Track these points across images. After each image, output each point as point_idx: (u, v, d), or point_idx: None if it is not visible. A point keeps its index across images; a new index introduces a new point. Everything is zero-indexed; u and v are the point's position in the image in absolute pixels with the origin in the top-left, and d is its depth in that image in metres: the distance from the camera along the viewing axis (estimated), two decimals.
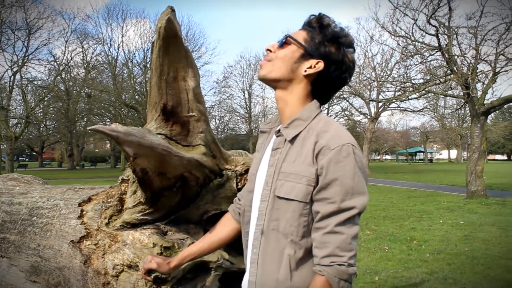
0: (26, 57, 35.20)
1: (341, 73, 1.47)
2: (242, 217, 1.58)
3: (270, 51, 1.48)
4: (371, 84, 25.71)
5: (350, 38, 1.48)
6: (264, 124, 1.62)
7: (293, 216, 1.34)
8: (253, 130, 44.29)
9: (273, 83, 1.48)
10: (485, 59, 14.51)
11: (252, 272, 1.43)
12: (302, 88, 1.47)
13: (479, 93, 14.87)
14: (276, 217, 1.37)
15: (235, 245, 1.75)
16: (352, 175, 1.30)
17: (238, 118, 47.02)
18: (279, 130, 1.46)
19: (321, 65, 1.44)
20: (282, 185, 1.36)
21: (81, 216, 1.98)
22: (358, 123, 41.33)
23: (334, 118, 40.84)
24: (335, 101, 39.32)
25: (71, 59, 40.39)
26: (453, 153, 76.34)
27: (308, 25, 1.48)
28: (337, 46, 1.45)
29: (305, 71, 1.44)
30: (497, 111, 40.18)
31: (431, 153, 77.62)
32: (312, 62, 1.44)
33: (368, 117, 36.82)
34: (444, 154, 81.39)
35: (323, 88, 1.49)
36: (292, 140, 1.41)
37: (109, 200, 1.99)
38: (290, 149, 1.40)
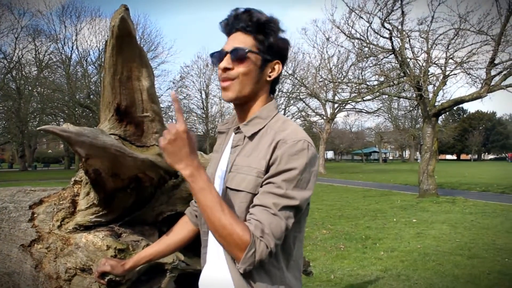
0: None
1: (287, 58, 1.52)
2: (200, 217, 1.57)
3: (229, 68, 1.41)
4: (327, 85, 26.10)
5: (279, 21, 1.45)
6: (221, 125, 1.61)
7: (240, 207, 1.36)
8: (210, 131, 44.17)
9: (244, 99, 1.45)
10: (435, 63, 15.00)
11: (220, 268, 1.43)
12: (265, 91, 1.49)
13: (431, 95, 15.35)
14: None
15: (191, 246, 1.74)
16: (302, 170, 1.32)
17: (195, 118, 46.77)
18: (238, 127, 1.46)
19: (280, 66, 1.46)
20: (233, 177, 1.38)
21: (32, 219, 1.92)
22: (314, 123, 41.86)
23: (291, 119, 41.17)
24: (291, 102, 39.74)
25: (22, 57, 39.15)
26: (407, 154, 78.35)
27: (246, 26, 1.42)
28: (281, 39, 1.46)
29: (269, 76, 1.46)
30: (447, 113, 41.61)
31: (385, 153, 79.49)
32: (271, 65, 1.45)
33: (324, 118, 37.40)
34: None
35: (278, 80, 1.53)
36: (251, 137, 1.42)
37: (61, 202, 1.94)
38: (247, 144, 1.42)
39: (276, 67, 1.46)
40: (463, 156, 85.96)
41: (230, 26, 1.45)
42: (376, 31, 15.68)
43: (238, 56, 1.40)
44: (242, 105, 1.48)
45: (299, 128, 1.42)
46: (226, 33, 1.48)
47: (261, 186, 1.34)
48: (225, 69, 1.42)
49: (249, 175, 1.35)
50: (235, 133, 1.48)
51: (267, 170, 1.34)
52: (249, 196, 1.35)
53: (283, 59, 1.47)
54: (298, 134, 1.36)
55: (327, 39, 23.18)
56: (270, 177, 1.33)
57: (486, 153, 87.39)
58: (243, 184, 1.36)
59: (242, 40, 1.42)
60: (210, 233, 1.50)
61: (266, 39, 1.42)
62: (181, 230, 1.68)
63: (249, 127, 1.44)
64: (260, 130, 1.42)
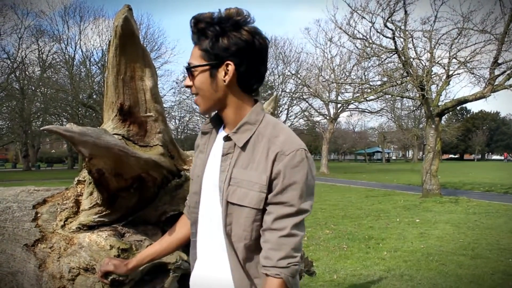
0: None
1: (251, 49, 1.37)
2: (190, 217, 1.58)
3: (190, 86, 1.43)
4: (330, 86, 26.09)
5: (232, 13, 1.35)
6: (205, 125, 1.58)
7: (246, 222, 1.36)
8: None
9: (215, 109, 1.46)
10: (439, 62, 14.97)
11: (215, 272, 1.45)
12: (234, 95, 1.42)
13: (434, 95, 15.33)
14: (230, 222, 1.38)
15: None
16: (305, 179, 1.33)
17: (198, 118, 46.75)
18: (228, 136, 1.42)
19: (231, 66, 1.36)
20: (234, 191, 1.37)
21: (35, 219, 1.92)
22: (317, 123, 41.85)
23: (294, 118, 41.22)
24: (294, 102, 39.70)
25: (25, 57, 39.27)
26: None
27: (194, 38, 1.40)
28: (227, 35, 1.34)
29: (224, 81, 1.38)
30: (450, 113, 41.50)
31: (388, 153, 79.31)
32: (223, 68, 1.37)
33: (327, 117, 37.38)
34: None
35: (251, 77, 1.42)
36: (244, 146, 1.39)
37: (64, 202, 1.94)
38: (241, 154, 1.39)
39: (229, 68, 1.36)
40: (466, 156, 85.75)
41: None
42: (379, 31, 15.67)
43: (188, 73, 1.42)
44: (220, 112, 1.47)
45: (291, 133, 1.40)
46: None
47: (269, 204, 1.34)
48: (188, 87, 1.44)
49: (252, 191, 1.34)
50: (225, 141, 1.44)
51: (269, 184, 1.33)
52: (253, 212, 1.35)
53: (237, 56, 1.36)
54: (293, 142, 1.35)
55: (330, 39, 23.15)
56: (277, 195, 1.32)
57: (490, 153, 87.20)
58: (246, 199, 1.35)
59: (193, 54, 1.41)
60: (198, 234, 1.51)
61: (206, 45, 1.36)
62: (182, 229, 1.68)
63: (239, 134, 1.40)
64: (251, 137, 1.39)
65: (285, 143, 1.34)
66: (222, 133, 1.49)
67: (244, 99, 1.44)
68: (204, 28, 1.36)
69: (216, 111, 1.49)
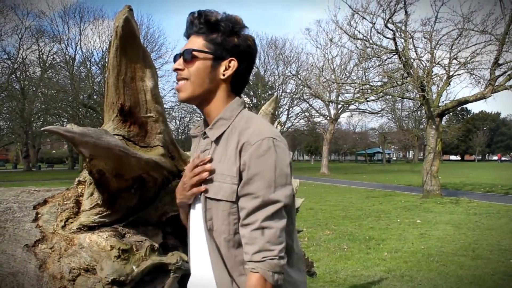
0: None
1: (251, 56, 1.48)
2: (187, 221, 1.58)
3: (180, 69, 1.44)
4: (330, 86, 26.11)
5: (239, 19, 1.45)
6: (194, 129, 1.60)
7: (223, 215, 1.36)
8: None
9: (198, 100, 1.46)
10: (439, 63, 14.96)
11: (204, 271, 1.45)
12: (223, 91, 1.46)
13: (434, 96, 15.32)
14: (210, 217, 1.39)
15: None
16: (273, 169, 1.31)
17: (199, 119, 46.73)
18: (205, 132, 1.46)
19: (234, 63, 1.43)
20: (210, 186, 1.38)
21: (36, 219, 1.92)
22: (318, 124, 41.85)
23: (294, 119, 41.21)
24: (295, 102, 39.72)
25: (26, 57, 39.32)
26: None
27: (198, 29, 1.44)
28: (237, 35, 1.44)
29: (223, 75, 1.44)
30: (451, 113, 41.55)
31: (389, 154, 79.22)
32: (225, 63, 1.43)
33: (328, 118, 37.40)
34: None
35: (242, 81, 1.49)
36: (217, 140, 1.41)
37: (65, 202, 1.94)
38: (216, 149, 1.41)
39: (232, 64, 1.43)
40: (467, 157, 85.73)
41: (188, 32, 1.48)
42: (380, 31, 15.67)
43: (187, 56, 1.43)
44: (201, 106, 1.48)
45: (263, 124, 1.40)
46: (187, 39, 1.50)
47: (240, 197, 1.33)
48: (177, 70, 1.45)
49: (225, 183, 1.35)
50: (203, 138, 1.47)
51: (240, 176, 1.33)
52: (228, 204, 1.35)
53: (240, 56, 1.44)
54: (262, 132, 1.34)
55: (331, 40, 23.16)
56: (244, 186, 1.32)
57: (491, 154, 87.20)
58: (220, 193, 1.36)
59: (194, 41, 1.44)
60: (191, 236, 1.52)
61: (216, 37, 1.42)
62: None
63: (214, 130, 1.43)
64: (225, 131, 1.41)
65: (253, 133, 1.34)
66: None
67: (229, 98, 1.47)
68: (217, 21, 1.41)
69: (200, 110, 1.51)
